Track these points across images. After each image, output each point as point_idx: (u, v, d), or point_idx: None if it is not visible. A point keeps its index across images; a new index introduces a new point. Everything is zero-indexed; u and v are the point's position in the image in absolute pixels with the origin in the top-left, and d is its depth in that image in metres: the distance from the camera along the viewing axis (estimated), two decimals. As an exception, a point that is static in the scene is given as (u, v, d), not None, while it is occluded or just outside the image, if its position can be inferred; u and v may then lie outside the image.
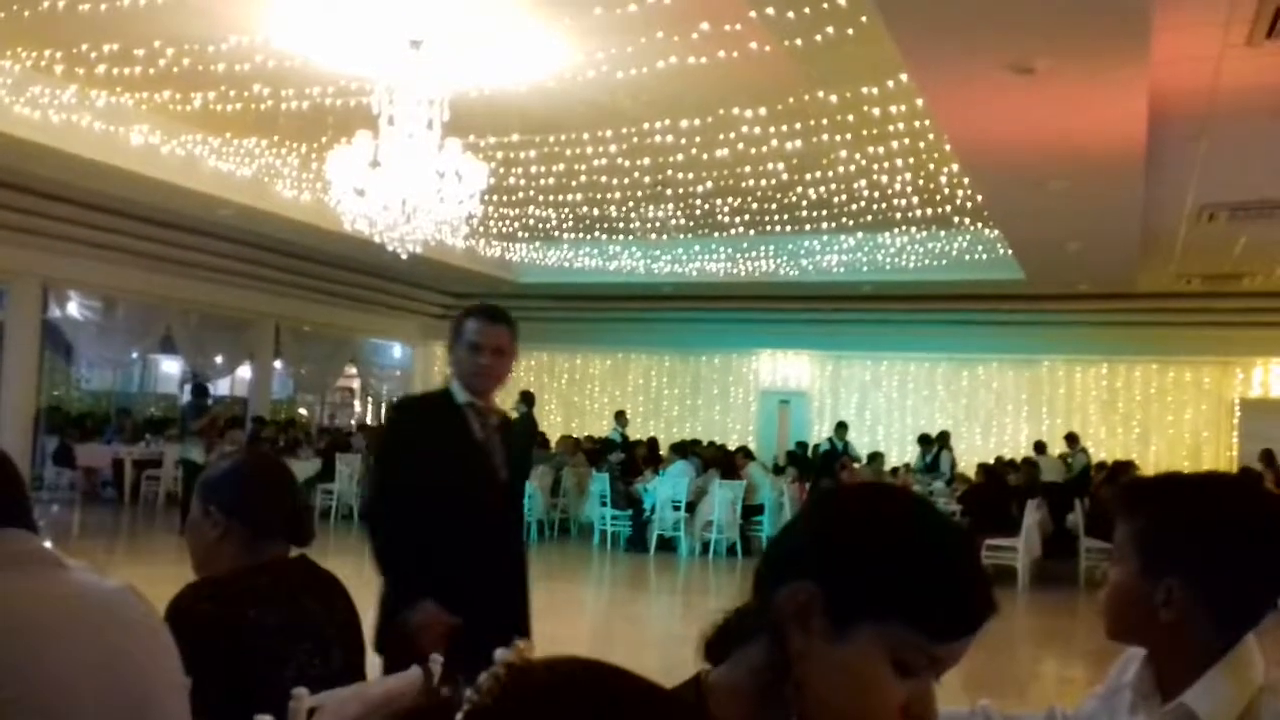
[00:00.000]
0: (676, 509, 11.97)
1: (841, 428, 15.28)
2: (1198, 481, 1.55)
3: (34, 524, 1.50)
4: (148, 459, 14.64)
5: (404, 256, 8.53)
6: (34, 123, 8.80)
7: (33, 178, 10.43)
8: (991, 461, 13.93)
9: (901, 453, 16.37)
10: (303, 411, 20.77)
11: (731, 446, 15.23)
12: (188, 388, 21.76)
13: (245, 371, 18.02)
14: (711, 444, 15.42)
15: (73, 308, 14.93)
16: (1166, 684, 1.45)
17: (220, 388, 21.02)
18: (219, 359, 17.32)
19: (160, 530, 12.44)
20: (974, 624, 1.00)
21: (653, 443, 15.29)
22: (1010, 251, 11.90)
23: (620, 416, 15.89)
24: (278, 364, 18.12)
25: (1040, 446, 14.32)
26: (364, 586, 2.42)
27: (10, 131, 8.71)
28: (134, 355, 16.74)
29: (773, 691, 1.01)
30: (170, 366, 21.65)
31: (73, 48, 7.76)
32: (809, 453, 15.58)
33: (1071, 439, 14.67)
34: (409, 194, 7.75)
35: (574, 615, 9.10)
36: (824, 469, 12.96)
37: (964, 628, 1.00)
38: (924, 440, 15.17)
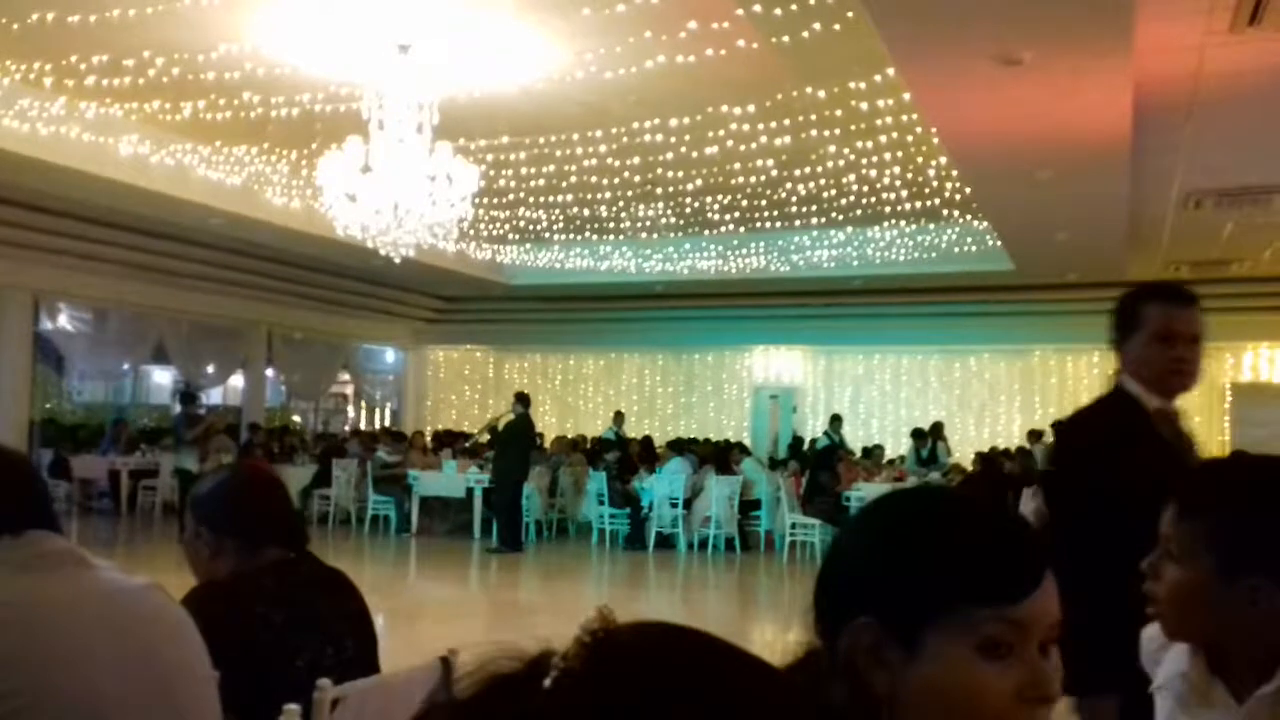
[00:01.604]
0: (674, 506, 12.01)
1: (836, 421, 15.35)
2: (1267, 473, 1.48)
3: (59, 524, 1.54)
4: (143, 469, 14.62)
5: (397, 260, 8.55)
6: (22, 135, 8.80)
7: (22, 190, 10.42)
8: (986, 451, 13.99)
9: (896, 445, 16.42)
10: (296, 419, 20.75)
11: (727, 442, 15.29)
12: (179, 397, 21.81)
13: (238, 380, 18.00)
14: (707, 441, 15.47)
15: (64, 319, 14.90)
16: (1236, 670, 1.41)
17: (213, 396, 21.00)
18: (211, 368, 17.29)
19: (158, 539, 12.44)
20: (1034, 572, 0.95)
21: (647, 441, 15.32)
22: (1000, 243, 11.96)
23: (619, 417, 15.95)
24: (270, 371, 18.10)
25: (1035, 435, 14.37)
26: (362, 587, 2.45)
27: (-1, 145, 8.71)
28: (126, 366, 16.72)
29: None
30: (162, 377, 21.61)
31: (62, 59, 7.77)
32: (804, 447, 15.64)
33: (1035, 435, 14.66)
34: (400, 198, 7.77)
35: (576, 614, 9.10)
36: (820, 463, 13.01)
37: (1026, 578, 0.94)
38: (917, 434, 15.24)
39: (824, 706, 0.94)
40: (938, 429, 15.27)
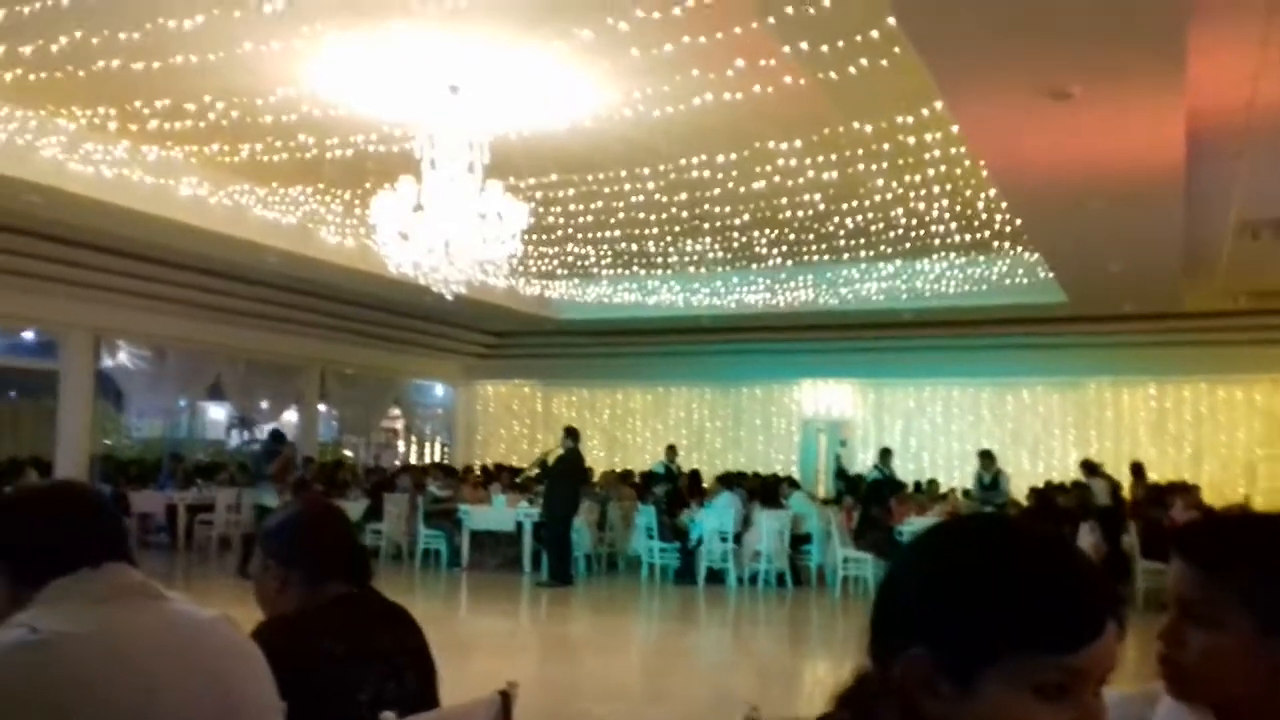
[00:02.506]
0: (724, 540, 11.95)
1: (886, 454, 15.19)
2: None
3: (133, 558, 1.59)
4: (200, 504, 14.85)
5: (448, 297, 8.66)
6: (88, 178, 9.07)
7: (86, 231, 10.73)
8: (1040, 486, 13.75)
9: (948, 478, 16.23)
10: (348, 453, 20.99)
11: (774, 475, 15.20)
12: (235, 432, 22.17)
13: (291, 415, 18.28)
14: (756, 474, 15.40)
15: (123, 357, 15.26)
16: None
17: (267, 431, 21.33)
18: (265, 404, 17.62)
19: (215, 573, 12.62)
20: (1096, 621, 0.94)
21: (694, 474, 15.29)
22: (1052, 274, 11.85)
23: (671, 450, 15.93)
24: (323, 407, 18.37)
25: (1091, 468, 14.12)
26: (418, 620, 2.49)
27: (65, 188, 8.98)
28: (182, 403, 17.06)
29: None
30: (217, 413, 22.02)
31: (125, 104, 8.01)
32: (855, 481, 15.49)
33: (1090, 467, 14.26)
34: (451, 236, 7.89)
35: (625, 648, 9.11)
36: (872, 496, 12.88)
37: (1088, 629, 0.93)
38: (985, 455, 14.54)
39: None
40: (991, 457, 14.83)
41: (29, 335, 16.21)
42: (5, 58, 6.98)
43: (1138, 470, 14.22)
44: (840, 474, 15.91)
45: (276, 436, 13.62)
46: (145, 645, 1.45)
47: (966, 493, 14.45)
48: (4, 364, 17.18)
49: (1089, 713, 0.94)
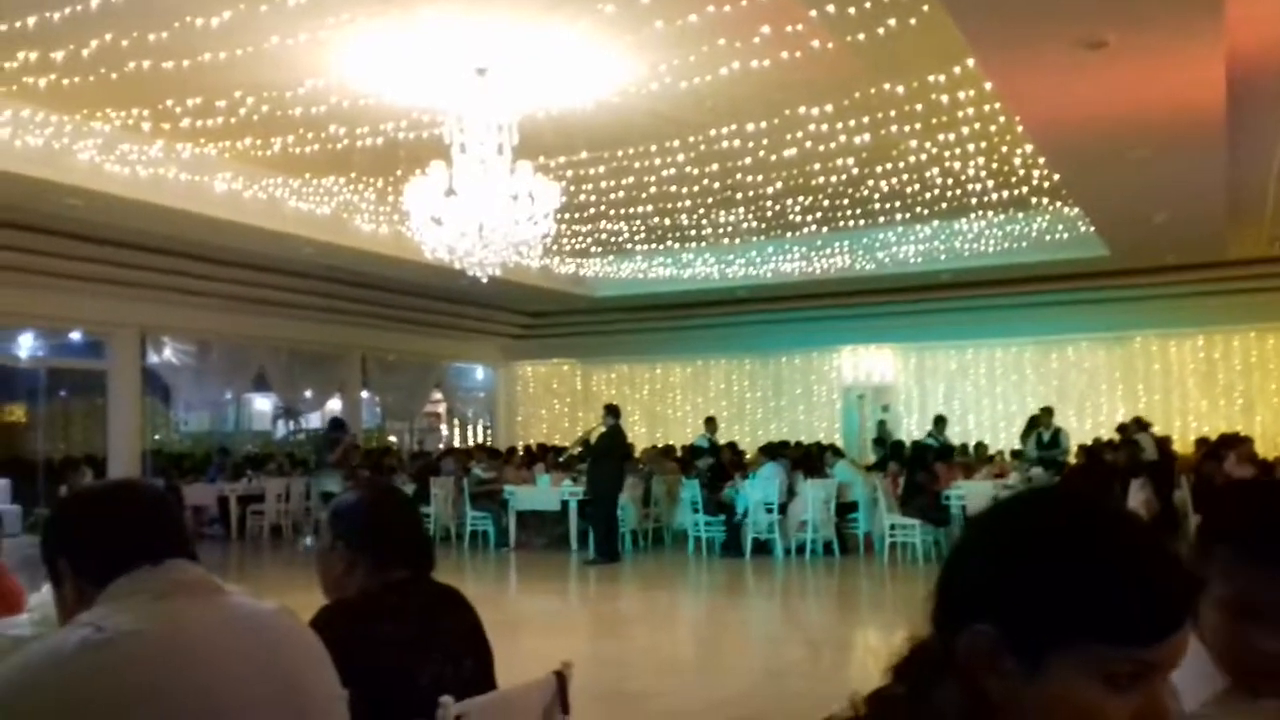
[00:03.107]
0: (769, 511, 11.94)
1: (940, 422, 15.02)
2: None
3: (195, 554, 1.61)
4: (251, 494, 15.08)
5: (484, 280, 8.68)
6: (124, 179, 9.18)
7: (126, 231, 10.88)
8: (1089, 443, 13.58)
9: (993, 440, 16.08)
10: (392, 439, 21.18)
11: (818, 444, 15.15)
12: (280, 423, 22.45)
13: (335, 404, 18.47)
14: (798, 444, 15.35)
15: (169, 353, 15.47)
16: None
17: (312, 420, 21.58)
18: (309, 393, 17.79)
19: (268, 562, 12.83)
20: (1175, 618, 0.91)
21: (733, 447, 15.27)
22: (1093, 228, 11.66)
23: (710, 423, 15.87)
24: (365, 394, 18.54)
25: (1141, 424, 13.92)
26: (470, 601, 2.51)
27: (103, 189, 9.10)
28: (228, 395, 17.27)
29: None
30: (262, 404, 22.28)
31: (158, 104, 8.09)
32: (896, 446, 15.37)
33: (1140, 423, 14.05)
34: (484, 218, 7.90)
35: (675, 623, 9.14)
36: (918, 462, 12.79)
37: (1165, 625, 0.91)
38: (1046, 411, 14.23)
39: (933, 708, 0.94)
40: (1050, 414, 14.52)
41: (76, 336, 16.47)
42: (38, 64, 7.06)
43: (1139, 424, 14.00)
44: (880, 440, 15.76)
45: (336, 424, 13.76)
46: (208, 640, 1.47)
47: (1015, 454, 14.29)
48: (54, 365, 17.47)
49: (1156, 703, 0.92)
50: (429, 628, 2.28)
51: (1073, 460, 13.02)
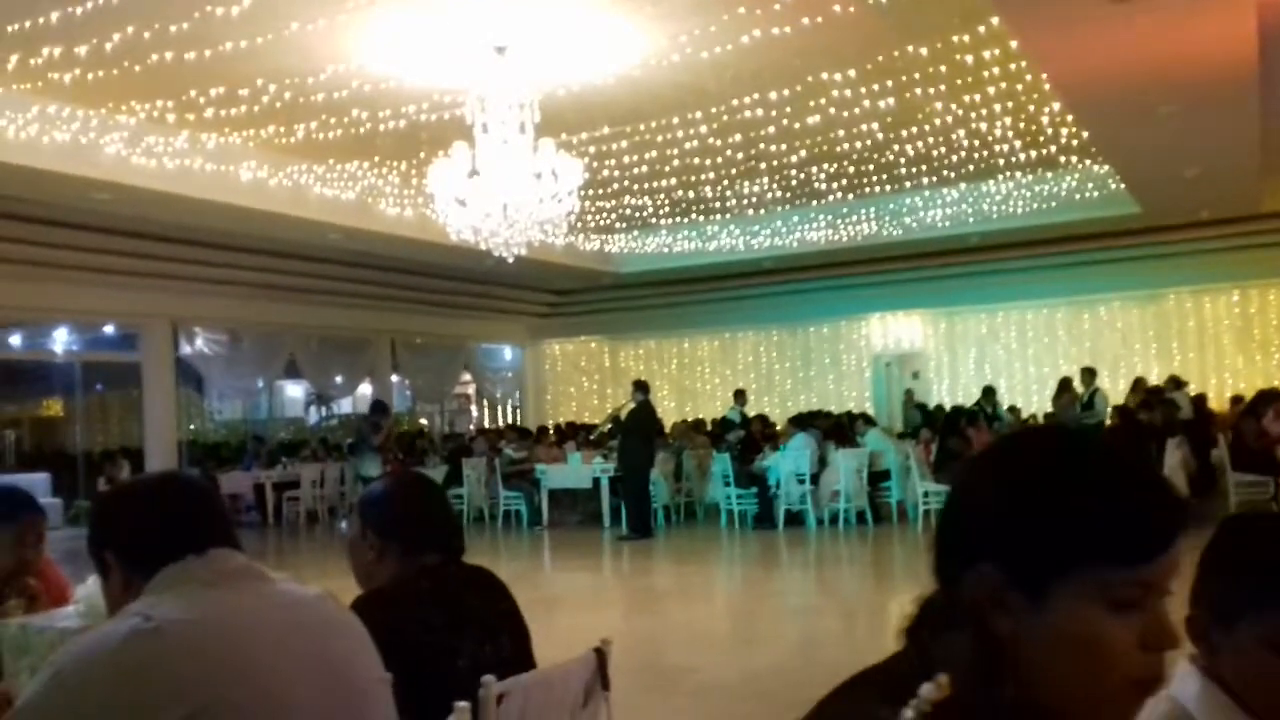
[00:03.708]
0: (801, 482, 11.92)
1: (989, 392, 14.89)
2: None
3: (238, 542, 1.62)
4: (286, 481, 15.23)
5: (510, 260, 8.68)
6: (151, 171, 9.24)
7: (154, 223, 10.96)
8: (1124, 403, 13.44)
9: (1026, 404, 15.97)
10: (423, 421, 21.32)
11: (848, 414, 15.09)
12: (313, 409, 22.66)
13: (366, 388, 18.61)
14: (829, 414, 15.31)
15: (200, 343, 15.62)
16: None
17: (344, 405, 21.76)
18: (340, 378, 17.93)
19: (305, 548, 12.97)
20: (1170, 533, 0.94)
21: (763, 419, 15.24)
22: (1123, 185, 11.50)
23: (740, 395, 15.85)
24: (395, 377, 18.66)
25: (1177, 382, 13.76)
26: (506, 580, 2.52)
27: (130, 182, 9.16)
28: (260, 383, 17.43)
29: (993, 681, 0.95)
30: (294, 391, 22.49)
31: (182, 95, 8.12)
32: (931, 413, 15.30)
33: (1176, 381, 13.88)
34: (509, 198, 7.88)
35: (711, 596, 9.17)
36: (950, 428, 12.71)
37: (1161, 542, 0.94)
38: (1087, 372, 14.08)
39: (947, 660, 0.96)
40: (1091, 374, 14.32)
41: (109, 329, 16.67)
42: (63, 59, 7.10)
43: (1175, 383, 13.82)
44: (913, 405, 15.64)
45: (379, 407, 13.82)
46: (255, 627, 1.48)
47: (1049, 416, 14.17)
48: (88, 359, 17.72)
49: (1158, 620, 0.95)
50: (463, 610, 2.29)
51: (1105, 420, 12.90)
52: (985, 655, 0.95)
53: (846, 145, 10.50)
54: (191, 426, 19.17)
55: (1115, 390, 15.23)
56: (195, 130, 9.15)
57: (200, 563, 1.54)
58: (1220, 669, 1.41)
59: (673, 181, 11.70)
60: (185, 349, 15.29)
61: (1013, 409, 15.01)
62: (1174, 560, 0.95)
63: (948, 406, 15.05)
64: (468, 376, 20.82)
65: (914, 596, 1.04)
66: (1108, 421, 12.95)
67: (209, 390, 18.36)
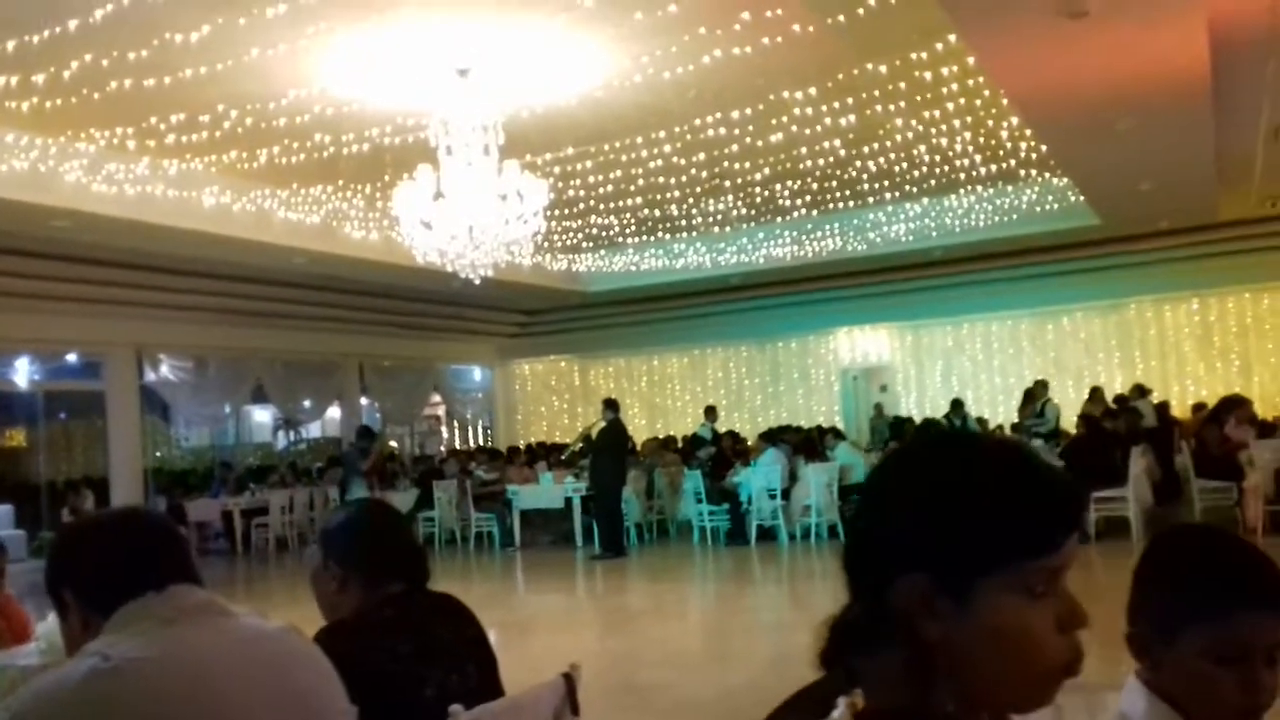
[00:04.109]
0: (772, 497, 11.95)
1: (957, 405, 15.03)
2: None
3: (199, 577, 1.61)
4: (254, 508, 15.06)
5: (477, 282, 8.67)
6: (111, 198, 9.16)
7: (116, 251, 10.85)
8: (1085, 411, 13.58)
9: (992, 414, 16.11)
10: (393, 444, 21.17)
11: (818, 428, 15.15)
12: (281, 434, 22.45)
13: (335, 412, 18.46)
14: (799, 429, 15.37)
15: (165, 369, 15.45)
16: None
17: (312, 430, 21.56)
18: (308, 402, 17.78)
19: (274, 575, 12.82)
20: (1075, 518, 1.01)
21: (734, 435, 15.27)
22: (1083, 198, 11.66)
23: (710, 412, 15.88)
24: (364, 400, 18.53)
25: (1141, 390, 13.94)
26: (472, 603, 2.51)
27: (90, 210, 9.08)
28: (227, 409, 17.24)
29: (926, 689, 0.98)
30: (262, 416, 22.28)
31: (142, 122, 8.06)
32: (901, 426, 15.40)
33: (1141, 390, 14.11)
34: (474, 220, 7.88)
35: (684, 614, 9.15)
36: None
37: (1067, 528, 0.99)
38: (1039, 385, 14.56)
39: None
40: (1043, 386, 14.67)
41: (72, 358, 16.45)
42: (20, 87, 7.04)
43: (1139, 391, 14.03)
44: (883, 419, 15.75)
45: (366, 432, 13.69)
46: (216, 663, 1.47)
47: (1015, 427, 14.33)
48: (51, 388, 17.45)
49: (1071, 602, 1.00)
50: (429, 639, 2.27)
51: (1069, 430, 13.05)
52: (917, 664, 0.98)
53: (809, 162, 10.58)
54: (158, 454, 18.92)
55: (1080, 400, 15.39)
56: (156, 156, 9.08)
57: (159, 600, 1.52)
58: (1165, 683, 1.43)
59: (638, 200, 11.74)
60: (150, 376, 15.10)
61: (981, 420, 15.13)
62: (1075, 543, 1.00)
63: (916, 419, 15.19)
64: (437, 398, 20.72)
65: (818, 625, 1.06)
66: (1060, 429, 13.19)
67: (175, 417, 18.14)
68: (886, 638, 0.99)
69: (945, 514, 0.98)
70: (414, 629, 2.26)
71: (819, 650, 1.06)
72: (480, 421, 21.61)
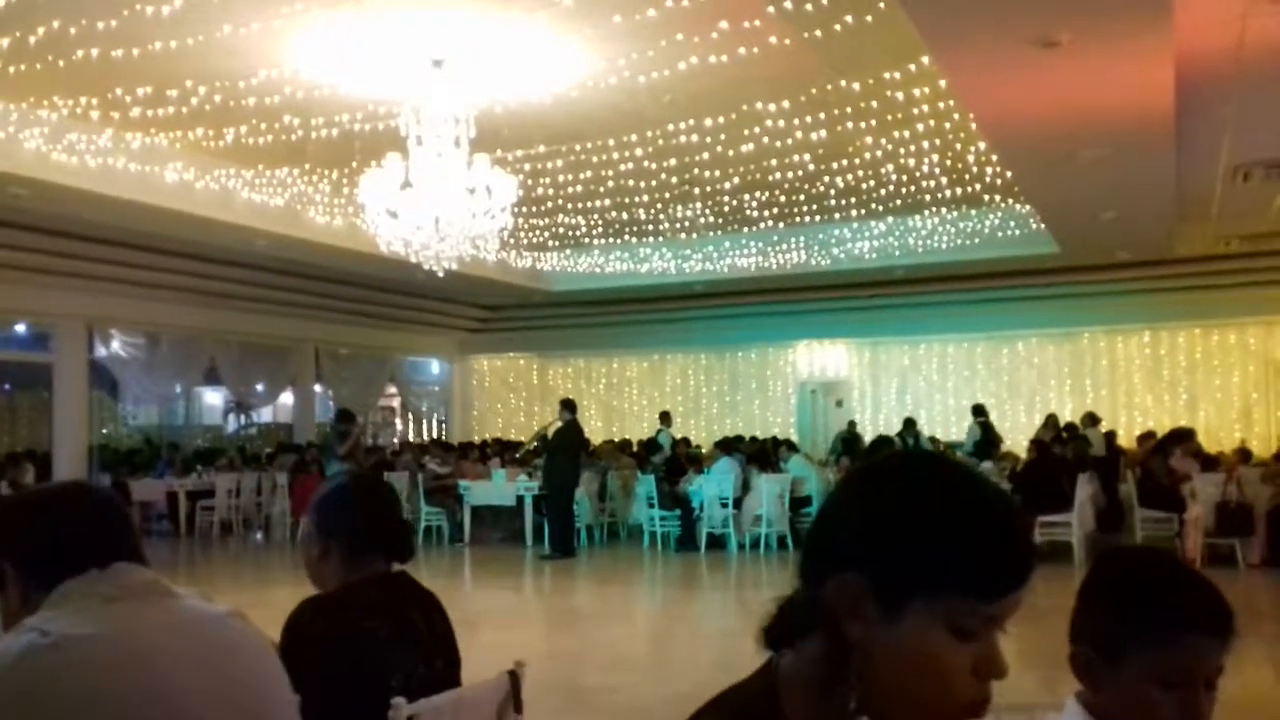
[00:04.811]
0: (724, 506, 11.99)
1: (910, 424, 15.17)
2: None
3: (144, 557, 1.58)
4: (201, 490, 14.85)
5: (440, 274, 8.62)
6: (72, 168, 8.99)
7: (73, 221, 10.65)
8: (1037, 437, 13.78)
9: (945, 434, 16.29)
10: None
11: (772, 439, 15.22)
12: (231, 417, 22.17)
13: (288, 397, 18.26)
14: (754, 439, 15.44)
15: (116, 345, 15.20)
16: None
17: (264, 414, 21.32)
18: (261, 386, 17.57)
19: (218, 558, 12.65)
20: (1021, 578, 1.00)
21: (687, 441, 15.31)
22: (1043, 225, 11.82)
23: (665, 417, 15.90)
24: (319, 387, 18.34)
25: (1093, 418, 14.17)
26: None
27: (50, 179, 8.90)
28: (178, 389, 16.99)
29: (835, 682, 1.01)
30: (213, 398, 21.98)
31: (107, 93, 7.93)
32: (855, 442, 15.52)
33: (1092, 418, 14.41)
34: (441, 212, 7.83)
35: (631, 618, 9.16)
36: (869, 457, 12.89)
37: (1012, 583, 1.00)
38: (975, 410, 14.95)
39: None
40: (979, 410, 14.96)
41: (21, 328, 16.13)
42: (-19, 49, 6.89)
43: (1091, 419, 14.27)
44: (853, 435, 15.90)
45: (345, 415, 13.55)
46: (156, 643, 1.44)
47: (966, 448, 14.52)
48: (-4, 358, 17.12)
49: (991, 652, 1.00)
50: (407, 627, 2.29)
51: (1019, 454, 13.23)
52: (832, 657, 1.01)
53: (778, 174, 10.64)
54: (105, 431, 18.60)
55: (1032, 425, 15.62)
56: (120, 129, 8.93)
57: (103, 577, 1.49)
58: (1104, 705, 1.44)
59: (607, 202, 11.74)
60: (100, 351, 14.85)
61: (934, 439, 15.29)
62: (1018, 601, 1.01)
63: (869, 435, 15.31)
64: (393, 389, 20.56)
65: (774, 596, 1.10)
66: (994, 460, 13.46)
67: (124, 394, 17.85)
68: (814, 627, 1.03)
69: (901, 526, 1.00)
70: (394, 615, 2.27)
71: (762, 626, 1.09)
72: (435, 415, 21.47)
